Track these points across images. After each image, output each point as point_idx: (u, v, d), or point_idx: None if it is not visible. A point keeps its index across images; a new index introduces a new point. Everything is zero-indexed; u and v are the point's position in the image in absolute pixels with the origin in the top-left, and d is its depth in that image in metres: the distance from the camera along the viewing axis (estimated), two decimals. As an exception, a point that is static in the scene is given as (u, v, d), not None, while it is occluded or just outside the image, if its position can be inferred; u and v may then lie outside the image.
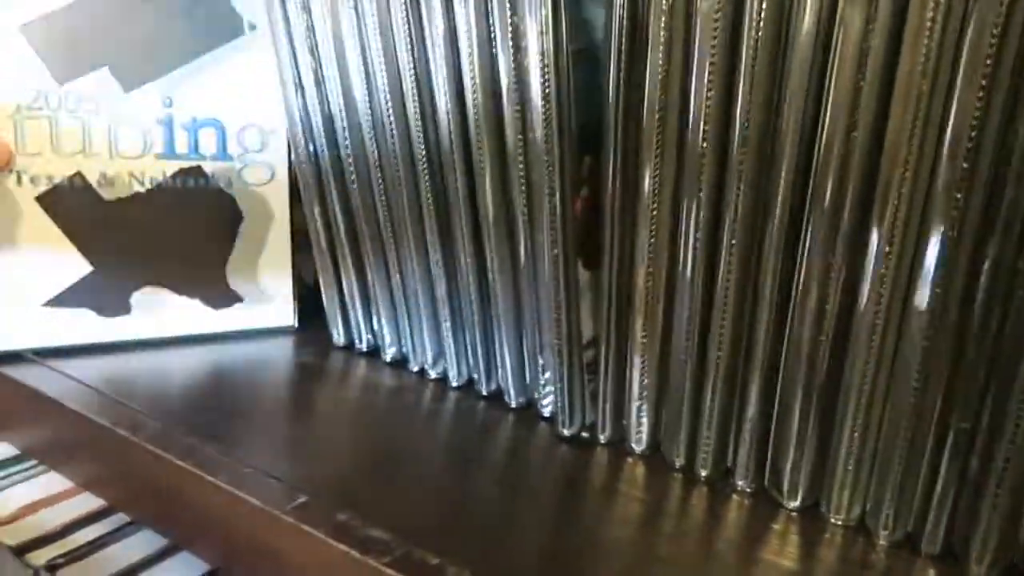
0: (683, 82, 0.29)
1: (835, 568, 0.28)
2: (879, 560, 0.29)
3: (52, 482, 0.39)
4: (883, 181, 0.26)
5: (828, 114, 0.27)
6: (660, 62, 0.29)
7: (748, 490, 0.33)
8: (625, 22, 0.30)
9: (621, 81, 0.30)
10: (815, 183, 0.28)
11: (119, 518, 0.36)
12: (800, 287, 0.29)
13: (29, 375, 0.39)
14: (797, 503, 0.32)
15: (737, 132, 0.28)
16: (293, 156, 0.45)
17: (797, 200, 0.28)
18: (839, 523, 0.31)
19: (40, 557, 0.33)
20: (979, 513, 0.27)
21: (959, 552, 0.28)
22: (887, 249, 0.26)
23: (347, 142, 0.40)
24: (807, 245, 0.28)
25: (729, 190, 0.29)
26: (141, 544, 0.35)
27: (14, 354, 0.41)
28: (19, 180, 0.40)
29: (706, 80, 0.28)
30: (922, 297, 0.27)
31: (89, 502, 0.37)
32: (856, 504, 0.30)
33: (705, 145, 0.29)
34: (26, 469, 0.40)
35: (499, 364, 0.40)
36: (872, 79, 0.25)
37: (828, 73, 0.26)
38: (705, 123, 0.29)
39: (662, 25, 0.29)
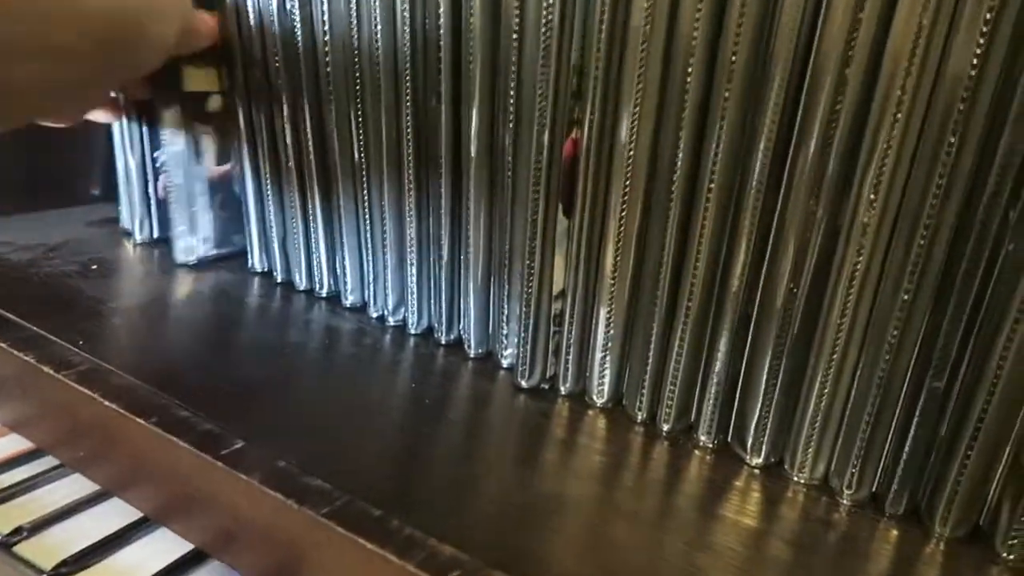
0: (671, 12, 0.27)
1: (797, 526, 0.27)
2: (841, 519, 0.28)
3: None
4: (873, 123, 0.25)
5: (820, 49, 0.25)
6: (644, 18, 0.27)
7: (711, 446, 0.32)
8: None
9: (604, 25, 0.28)
10: (802, 123, 0.26)
11: (49, 460, 0.34)
12: (779, 234, 0.28)
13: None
14: (760, 460, 0.31)
15: (724, 67, 0.26)
16: (262, 70, 0.41)
17: (781, 144, 0.27)
18: (802, 482, 0.30)
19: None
20: (947, 474, 0.26)
21: (923, 513, 0.28)
22: (872, 197, 0.25)
23: (327, 59, 0.37)
24: (789, 190, 0.27)
25: (711, 131, 0.28)
26: (70, 489, 0.33)
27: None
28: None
29: (690, 37, 0.26)
30: (905, 250, 0.25)
31: (17, 443, 0.35)
32: (820, 463, 0.30)
33: (689, 81, 0.27)
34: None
35: (462, 312, 0.38)
36: (870, 12, 0.24)
37: (823, 4, 0.25)
38: (690, 55, 0.27)
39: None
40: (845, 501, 0.29)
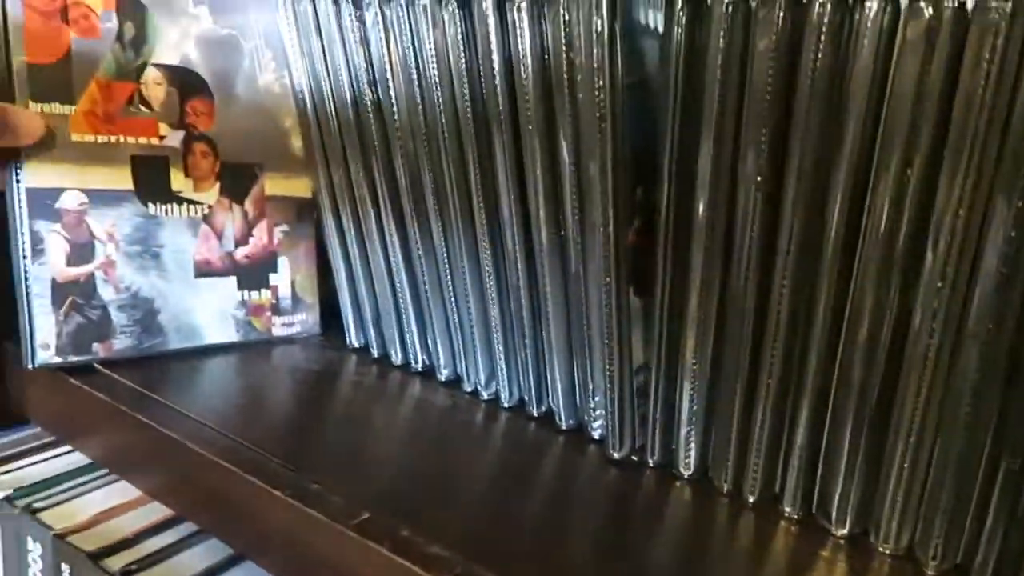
0: (738, 118, 0.30)
1: (884, 597, 0.29)
2: (928, 590, 0.29)
3: (124, 490, 0.41)
4: (938, 212, 0.27)
5: (884, 144, 0.27)
6: (716, 101, 0.30)
7: (796, 516, 0.33)
8: (682, 58, 0.31)
9: (678, 114, 0.31)
10: (869, 213, 0.28)
11: (188, 526, 0.38)
12: (852, 316, 0.30)
13: (96, 384, 0.41)
14: (845, 531, 0.32)
15: (792, 161, 0.29)
16: (343, 168, 0.46)
17: (851, 229, 0.29)
18: (887, 552, 0.31)
19: (116, 562, 0.35)
20: (1030, 547, 0.27)
21: (1010, 585, 0.29)
22: (939, 284, 0.27)
23: (403, 161, 0.42)
24: (860, 274, 0.29)
25: (783, 219, 0.30)
26: (209, 552, 0.36)
27: (85, 365, 0.43)
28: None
29: (761, 117, 0.29)
30: (975, 331, 0.27)
31: (160, 509, 0.39)
32: (905, 533, 0.31)
33: (760, 178, 0.30)
34: (99, 477, 0.43)
35: (550, 386, 0.41)
36: (928, 114, 0.26)
37: (885, 102, 0.27)
38: (759, 158, 0.30)
39: (718, 63, 0.30)
40: (931, 572, 0.30)
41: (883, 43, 0.27)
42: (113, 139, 0.42)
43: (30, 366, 0.41)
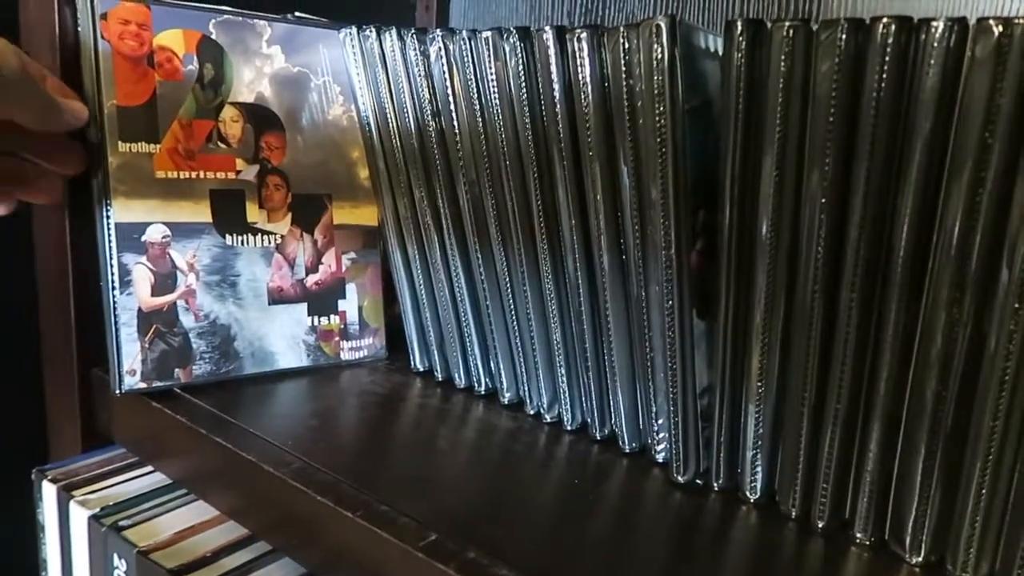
0: (800, 140, 0.30)
1: (964, 627, 0.28)
2: (1011, 622, 0.28)
3: (203, 509, 0.43)
4: (1013, 229, 0.26)
5: (953, 163, 0.27)
6: (778, 123, 0.30)
7: (867, 543, 0.33)
8: (743, 82, 0.31)
9: (739, 138, 0.32)
10: (939, 231, 0.28)
11: (263, 545, 0.40)
12: (923, 337, 0.29)
13: (176, 408, 0.43)
14: (920, 558, 0.31)
15: (857, 182, 0.29)
16: (409, 197, 0.47)
17: (921, 248, 0.29)
18: (967, 581, 0.30)
19: (196, 579, 0.37)
20: (1121, 578, 0.26)
21: (1100, 617, 0.27)
22: (1016, 305, 0.26)
23: (466, 189, 0.43)
24: (931, 294, 0.29)
25: (849, 239, 0.30)
26: (282, 571, 0.38)
27: (166, 389, 0.45)
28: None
29: (824, 137, 0.29)
30: (1053, 354, 0.26)
31: (236, 529, 0.41)
32: (984, 562, 0.30)
33: (823, 200, 0.30)
34: (179, 496, 0.44)
35: (613, 409, 0.41)
36: (1001, 135, 0.26)
37: (952, 129, 0.27)
38: (823, 179, 0.30)
39: (780, 86, 0.30)
40: (1013, 602, 0.29)
41: (950, 63, 0.27)
42: (194, 175, 0.45)
43: (117, 392, 0.43)
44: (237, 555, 0.39)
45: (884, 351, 0.31)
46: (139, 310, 0.44)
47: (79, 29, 0.42)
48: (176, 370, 0.45)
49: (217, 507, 0.42)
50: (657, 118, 0.33)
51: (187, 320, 0.45)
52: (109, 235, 0.42)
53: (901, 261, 0.29)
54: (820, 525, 0.34)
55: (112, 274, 0.43)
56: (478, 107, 0.40)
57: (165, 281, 0.44)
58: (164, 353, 0.44)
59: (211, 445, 0.40)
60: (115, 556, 0.41)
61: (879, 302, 0.30)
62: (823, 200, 0.30)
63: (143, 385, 0.44)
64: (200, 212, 0.45)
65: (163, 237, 0.44)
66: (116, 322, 0.43)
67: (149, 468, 0.48)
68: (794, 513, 0.35)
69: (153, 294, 0.44)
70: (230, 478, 0.40)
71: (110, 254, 0.42)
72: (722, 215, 0.33)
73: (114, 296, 0.43)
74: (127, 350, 0.43)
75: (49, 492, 0.45)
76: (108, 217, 0.42)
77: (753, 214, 0.32)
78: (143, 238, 0.43)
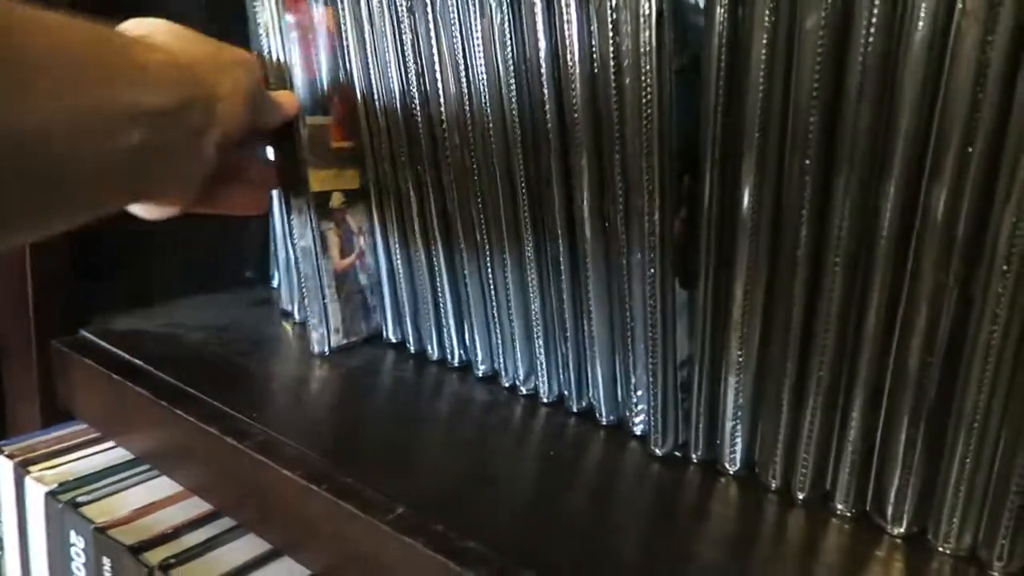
0: (784, 100, 0.29)
1: (945, 599, 0.27)
2: (993, 593, 0.27)
3: (165, 485, 0.41)
4: (1003, 191, 0.25)
5: (942, 123, 0.26)
6: (761, 80, 0.29)
7: (848, 514, 0.32)
8: (725, 38, 0.30)
9: (720, 99, 0.30)
10: (927, 196, 0.27)
11: (227, 521, 0.38)
12: (909, 303, 0.28)
13: (138, 381, 0.42)
14: (902, 529, 0.30)
15: (843, 144, 0.28)
16: (391, 164, 0.45)
17: (907, 212, 0.28)
18: (948, 552, 0.30)
19: (155, 556, 0.35)
20: (1107, 547, 0.25)
21: (1084, 587, 0.27)
22: (1004, 267, 0.26)
23: (447, 151, 0.41)
24: (917, 262, 0.28)
25: (834, 204, 0.29)
26: (247, 547, 0.36)
27: (132, 366, 0.43)
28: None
29: (809, 99, 0.28)
30: (1042, 318, 0.25)
31: (200, 505, 0.39)
32: (967, 533, 0.29)
33: (808, 163, 0.29)
34: (141, 473, 0.43)
35: (591, 381, 0.40)
36: (991, 91, 0.25)
37: (942, 86, 0.26)
38: (807, 142, 0.28)
39: (764, 42, 0.28)
40: (996, 574, 0.28)
41: (940, 15, 0.25)
42: (355, 143, 0.47)
43: (326, 350, 0.47)
44: (199, 531, 0.38)
45: (868, 317, 0.30)
46: (334, 272, 0.47)
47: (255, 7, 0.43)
48: (361, 324, 0.49)
49: (180, 482, 0.41)
50: (643, 77, 0.31)
51: (363, 278, 0.49)
52: (309, 205, 0.45)
53: (887, 224, 0.28)
54: (800, 497, 0.33)
55: (316, 241, 0.45)
56: (463, 66, 0.38)
57: (346, 244, 0.47)
58: (353, 310, 0.48)
59: (173, 418, 0.39)
60: (72, 533, 0.39)
61: (864, 267, 0.29)
62: (808, 162, 0.29)
63: (344, 341, 0.48)
64: (358, 178, 0.48)
65: (342, 203, 0.47)
66: (322, 285, 0.46)
67: (111, 444, 0.46)
68: (774, 485, 0.34)
69: (342, 257, 0.48)
70: (193, 452, 0.39)
71: (313, 223, 0.45)
72: (703, 178, 0.32)
73: (318, 261, 0.46)
74: (332, 309, 0.47)
75: (5, 467, 0.44)
76: (307, 187, 0.44)
77: (735, 178, 0.31)
78: (330, 205, 0.46)
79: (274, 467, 0.33)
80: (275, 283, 0.61)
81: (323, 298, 0.46)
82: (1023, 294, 0.26)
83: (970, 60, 0.25)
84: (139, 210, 0.37)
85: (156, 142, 0.28)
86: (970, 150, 0.26)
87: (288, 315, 0.55)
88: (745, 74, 0.30)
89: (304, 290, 0.46)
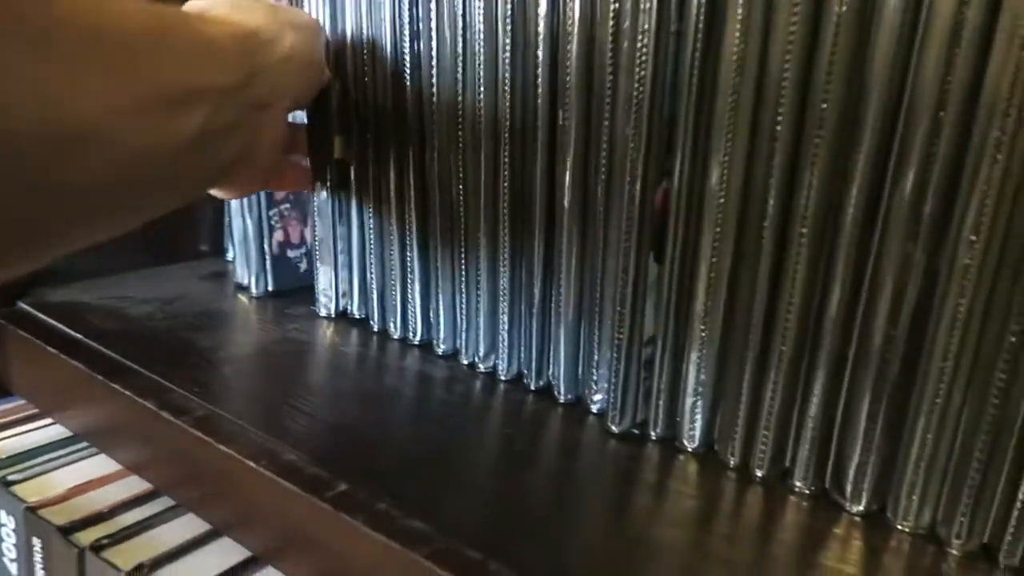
0: (760, 63, 0.28)
1: (903, 578, 0.26)
2: (951, 571, 0.27)
3: (103, 464, 0.39)
4: (972, 162, 0.24)
5: (915, 88, 0.25)
6: (736, 41, 0.28)
7: (807, 492, 0.31)
8: (703, 5, 0.28)
9: (696, 62, 0.29)
10: (896, 164, 0.26)
11: (165, 501, 0.36)
12: (875, 277, 0.27)
13: (75, 355, 0.40)
14: (861, 507, 0.30)
15: (814, 114, 0.27)
16: (373, 132, 0.43)
17: (875, 185, 0.27)
18: (906, 530, 0.29)
19: (87, 537, 0.34)
20: (1067, 524, 0.25)
21: (1043, 566, 0.26)
22: (972, 238, 0.25)
23: (434, 120, 0.39)
24: (884, 233, 0.27)
25: (802, 176, 0.28)
26: (185, 527, 0.35)
27: (70, 338, 0.41)
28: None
29: (783, 61, 0.27)
30: (1010, 290, 0.25)
31: (137, 484, 0.38)
32: (926, 510, 0.29)
33: (779, 129, 0.28)
34: (78, 450, 0.41)
35: (552, 358, 0.38)
36: (966, 52, 0.24)
37: (916, 49, 0.25)
38: (780, 105, 0.27)
39: (739, 12, 0.27)
40: (954, 552, 0.28)
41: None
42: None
43: (332, 314, 0.48)
44: (136, 511, 0.36)
45: (833, 291, 0.29)
46: None
47: None
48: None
49: (118, 460, 0.39)
50: (640, 36, 0.30)
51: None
52: (332, 172, 0.45)
53: (855, 195, 0.27)
54: (759, 474, 0.32)
55: (335, 208, 0.46)
56: (460, 27, 0.36)
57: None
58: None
59: (110, 393, 0.37)
60: (2, 513, 0.37)
61: (830, 240, 0.28)
62: (779, 128, 0.28)
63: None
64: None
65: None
66: (336, 251, 0.47)
67: (49, 420, 0.44)
68: (733, 462, 0.33)
69: None
70: (130, 429, 0.37)
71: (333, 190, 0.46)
72: (675, 148, 0.31)
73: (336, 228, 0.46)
74: (342, 276, 0.48)
75: (-67, 445, 0.42)
76: (332, 155, 0.44)
77: (706, 146, 0.30)
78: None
79: (212, 444, 0.31)
80: (230, 256, 0.58)
81: (335, 264, 0.47)
82: (990, 266, 0.25)
83: (943, 31, 0.24)
84: (216, 192, 0.36)
85: (222, 121, 0.26)
86: (942, 114, 0.25)
87: (244, 288, 0.53)
88: (720, 43, 0.28)
89: (317, 254, 0.47)
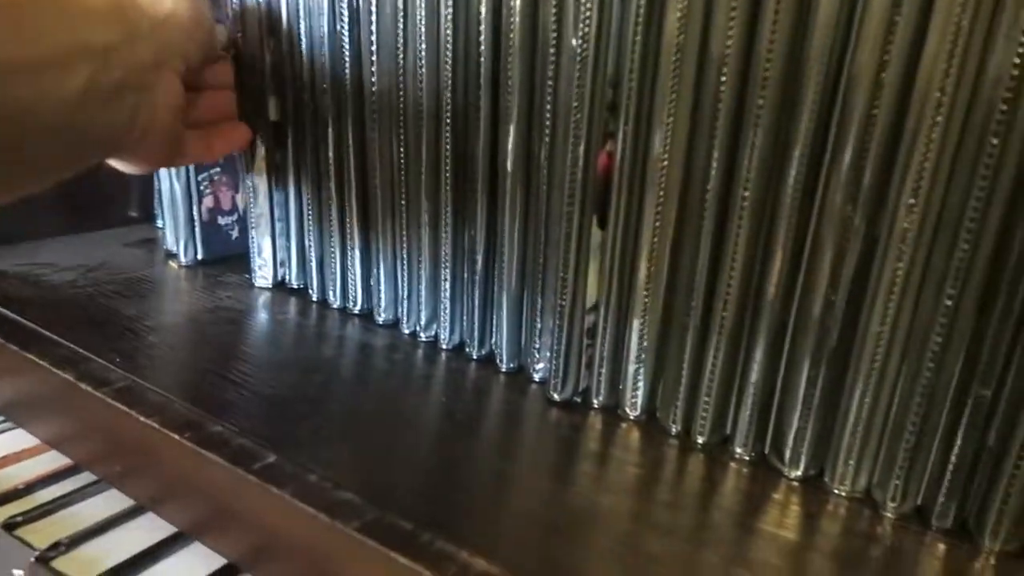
0: (704, 22, 0.27)
1: (838, 541, 0.27)
2: (885, 533, 0.27)
3: (20, 438, 0.37)
4: (911, 128, 0.24)
5: (855, 55, 0.25)
6: (679, 11, 0.27)
7: (747, 458, 0.31)
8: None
9: (640, 20, 0.28)
10: (838, 129, 0.26)
11: (86, 476, 0.35)
12: (815, 243, 0.27)
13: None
14: (799, 472, 0.30)
15: (757, 77, 0.26)
16: (310, 94, 0.41)
17: (816, 151, 0.26)
18: (843, 494, 0.29)
19: (1, 514, 0.32)
20: (997, 485, 0.25)
21: (973, 527, 0.27)
22: (911, 202, 0.24)
23: (374, 81, 0.37)
24: (825, 199, 0.27)
25: (745, 141, 0.27)
26: (107, 503, 0.33)
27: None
28: None
29: (728, 20, 0.26)
30: (947, 255, 0.25)
31: (56, 459, 0.36)
32: (862, 475, 0.29)
33: (722, 92, 0.27)
34: (-8, 425, 0.39)
35: (495, 327, 0.38)
36: (907, 14, 0.23)
37: (857, 13, 0.24)
38: (724, 65, 0.27)
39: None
40: (889, 514, 0.28)
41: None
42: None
43: (269, 284, 0.46)
44: (55, 487, 0.34)
45: (775, 258, 0.28)
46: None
47: None
48: None
49: (36, 435, 0.37)
50: None
51: None
52: (268, 135, 0.43)
53: (797, 157, 0.27)
54: (700, 441, 0.32)
55: (272, 175, 0.44)
56: None
57: None
58: None
59: (25, 364, 0.35)
60: (-92, 492, 0.35)
61: (772, 205, 0.28)
62: (720, 89, 0.27)
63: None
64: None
65: None
66: (274, 220, 0.45)
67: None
68: (674, 429, 0.33)
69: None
70: (47, 401, 0.35)
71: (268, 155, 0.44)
72: (619, 109, 0.30)
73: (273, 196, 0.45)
74: (279, 244, 0.46)
75: None
76: (267, 118, 0.42)
77: (650, 108, 0.29)
78: None
79: (134, 415, 0.30)
80: (160, 223, 0.56)
81: (273, 232, 0.45)
82: (928, 231, 0.25)
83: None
84: (120, 164, 0.35)
85: (109, 80, 0.28)
86: (883, 75, 0.24)
87: (173, 256, 0.50)
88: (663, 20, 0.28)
89: (252, 221, 0.45)
